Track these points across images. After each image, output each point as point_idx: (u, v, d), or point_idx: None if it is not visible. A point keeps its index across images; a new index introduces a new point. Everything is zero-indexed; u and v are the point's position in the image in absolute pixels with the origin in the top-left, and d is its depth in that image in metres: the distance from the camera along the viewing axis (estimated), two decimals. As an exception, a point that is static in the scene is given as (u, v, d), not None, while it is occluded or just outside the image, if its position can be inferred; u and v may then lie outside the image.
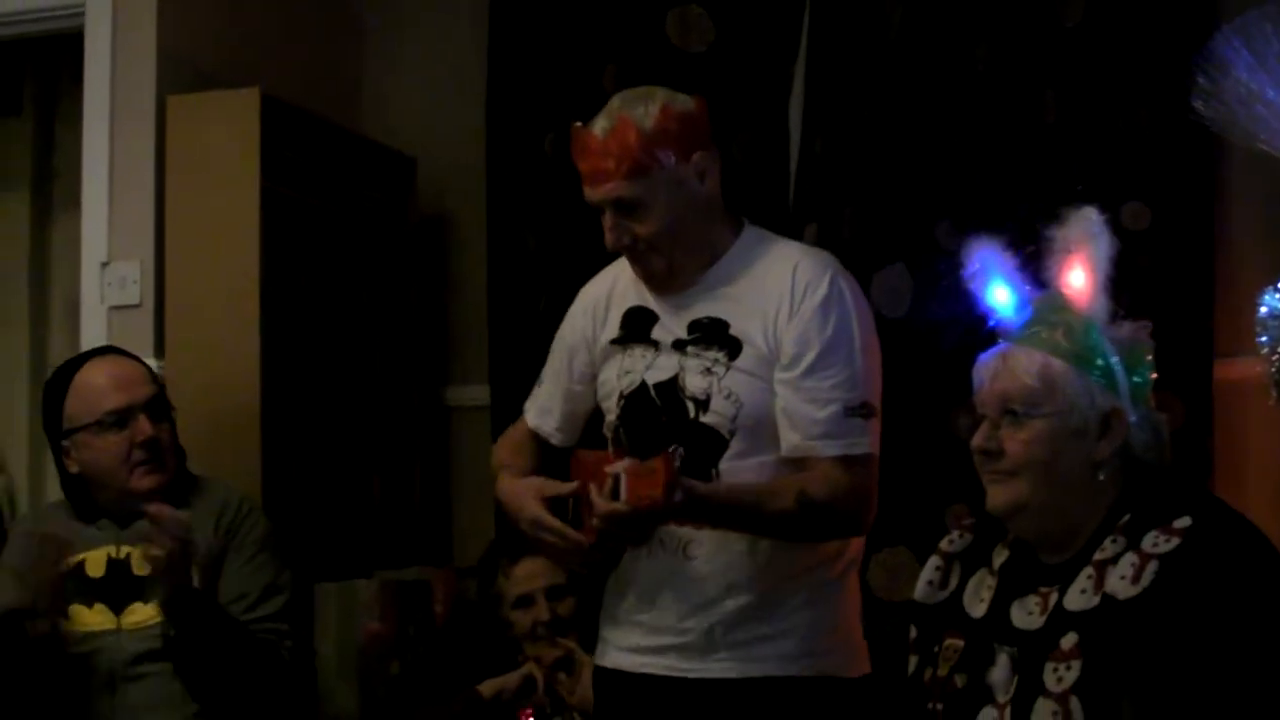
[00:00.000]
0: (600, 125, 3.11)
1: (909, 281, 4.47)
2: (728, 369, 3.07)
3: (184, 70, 4.52)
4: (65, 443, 3.64)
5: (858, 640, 3.16)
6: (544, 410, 3.46)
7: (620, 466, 2.86)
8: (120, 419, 3.57)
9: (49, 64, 5.89)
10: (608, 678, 3.26)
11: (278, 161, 4.49)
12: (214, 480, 3.82)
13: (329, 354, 4.79)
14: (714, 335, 3.09)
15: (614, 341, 3.24)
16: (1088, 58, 4.40)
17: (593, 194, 3.13)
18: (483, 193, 5.12)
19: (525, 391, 4.95)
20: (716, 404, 3.07)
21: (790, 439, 3.00)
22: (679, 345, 3.13)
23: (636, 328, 3.21)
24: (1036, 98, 4.45)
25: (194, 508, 3.60)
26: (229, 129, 4.38)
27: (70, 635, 3.49)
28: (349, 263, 4.92)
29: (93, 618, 3.51)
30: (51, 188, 5.93)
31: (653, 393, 3.13)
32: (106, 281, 4.44)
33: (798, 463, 3.00)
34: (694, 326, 3.12)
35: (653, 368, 3.15)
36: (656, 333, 3.17)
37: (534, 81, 5.01)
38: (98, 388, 3.61)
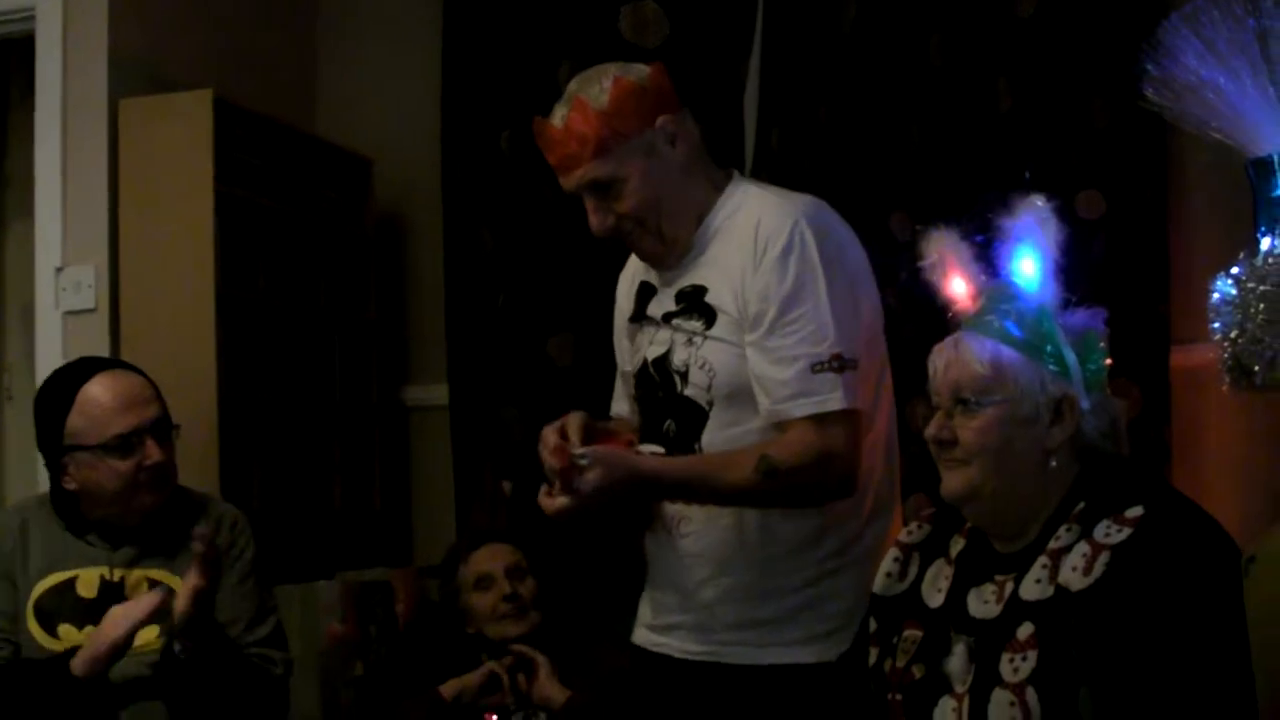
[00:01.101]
0: (559, 114, 3.08)
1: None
2: (705, 339, 3.04)
3: (136, 73, 4.50)
4: (65, 459, 3.48)
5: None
6: (618, 397, 3.41)
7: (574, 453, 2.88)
8: (127, 443, 3.43)
9: (1, 68, 5.86)
10: (636, 654, 3.27)
11: (232, 164, 4.47)
12: (208, 496, 3.76)
13: (287, 356, 4.78)
14: (694, 304, 3.06)
15: (630, 320, 3.25)
16: (1041, 48, 4.42)
17: (567, 182, 3.09)
18: (439, 192, 5.12)
19: (484, 390, 4.99)
20: (694, 375, 3.05)
21: (762, 404, 2.95)
22: (667, 318, 3.12)
23: (641, 304, 3.20)
24: (990, 88, 4.47)
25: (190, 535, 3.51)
26: (182, 132, 4.36)
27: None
28: (306, 264, 4.91)
29: (82, 639, 3.38)
30: (4, 194, 5.91)
31: (651, 369, 3.13)
32: (61, 286, 4.42)
33: (779, 428, 2.94)
34: (679, 297, 3.10)
35: (653, 343, 3.14)
36: (652, 307, 3.16)
37: (489, 79, 5.01)
38: (106, 408, 3.44)
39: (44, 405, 3.56)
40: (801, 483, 2.90)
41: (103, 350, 4.30)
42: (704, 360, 3.04)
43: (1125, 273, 4.31)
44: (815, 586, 3.01)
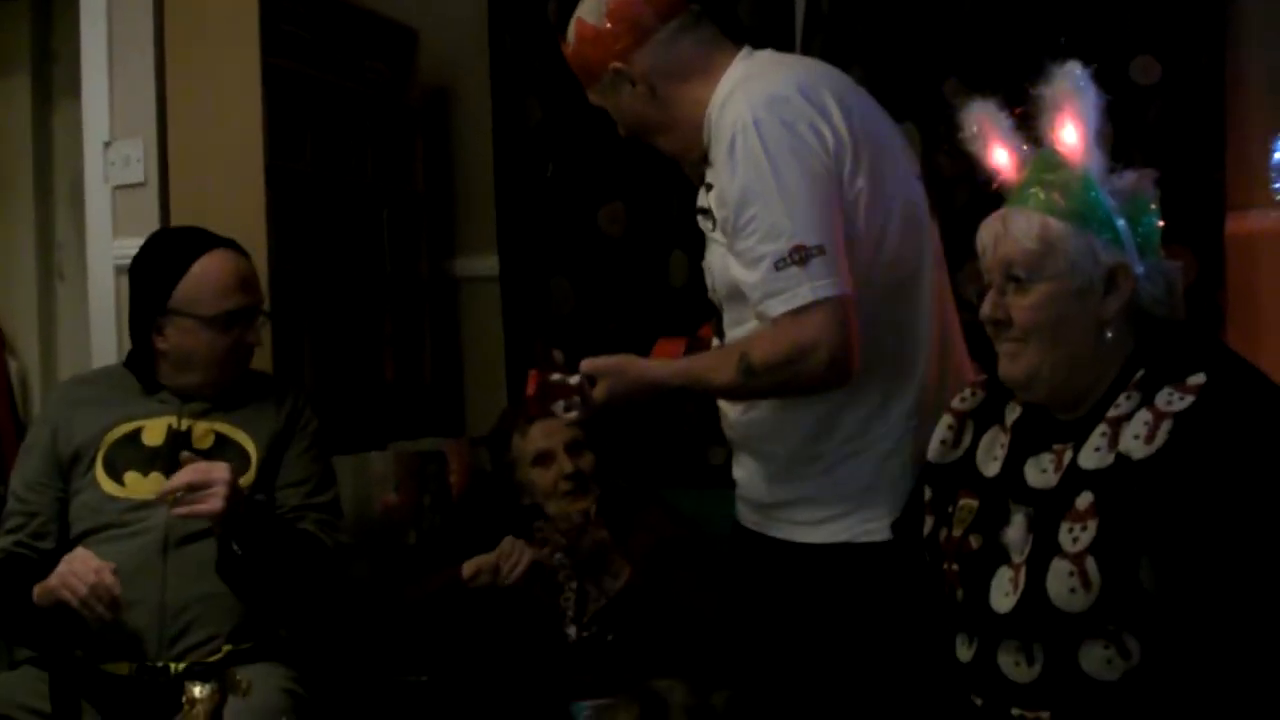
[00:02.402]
0: (570, 33, 3.16)
1: (918, 139, 4.44)
2: (711, 241, 3.08)
3: (180, -55, 4.46)
4: (162, 319, 3.62)
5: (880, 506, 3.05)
6: None
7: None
8: (233, 320, 3.60)
9: (44, -56, 5.85)
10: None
11: (278, 35, 4.45)
12: (272, 376, 3.91)
13: (335, 229, 4.78)
14: (707, 204, 3.07)
15: None
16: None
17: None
18: (486, 62, 5.09)
19: (534, 260, 4.98)
20: (706, 278, 3.13)
21: (750, 310, 2.95)
22: (696, 219, 3.16)
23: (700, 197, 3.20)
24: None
25: (260, 400, 3.71)
26: (228, 5, 4.33)
27: (122, 501, 3.54)
28: (353, 137, 4.90)
29: (149, 485, 3.51)
30: (51, 70, 5.89)
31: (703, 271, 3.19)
32: (110, 161, 4.42)
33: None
34: (699, 196, 3.13)
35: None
36: (700, 200, 3.17)
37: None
38: (221, 284, 3.61)
39: (152, 266, 3.71)
40: (785, 377, 2.88)
41: (152, 224, 4.30)
42: (708, 263, 3.11)
43: (1180, 139, 4.26)
44: (829, 474, 3.04)
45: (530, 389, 2.93)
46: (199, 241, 3.70)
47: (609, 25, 3.09)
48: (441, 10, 5.24)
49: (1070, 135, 2.62)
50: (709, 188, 3.04)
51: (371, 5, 5.10)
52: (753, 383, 2.89)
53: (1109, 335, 2.57)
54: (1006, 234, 2.60)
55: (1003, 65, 4.24)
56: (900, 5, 4.51)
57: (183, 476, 3.32)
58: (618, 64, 3.08)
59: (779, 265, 2.81)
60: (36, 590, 3.35)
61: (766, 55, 3.15)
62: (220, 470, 3.34)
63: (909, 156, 3.16)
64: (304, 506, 3.64)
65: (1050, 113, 2.64)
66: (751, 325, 2.97)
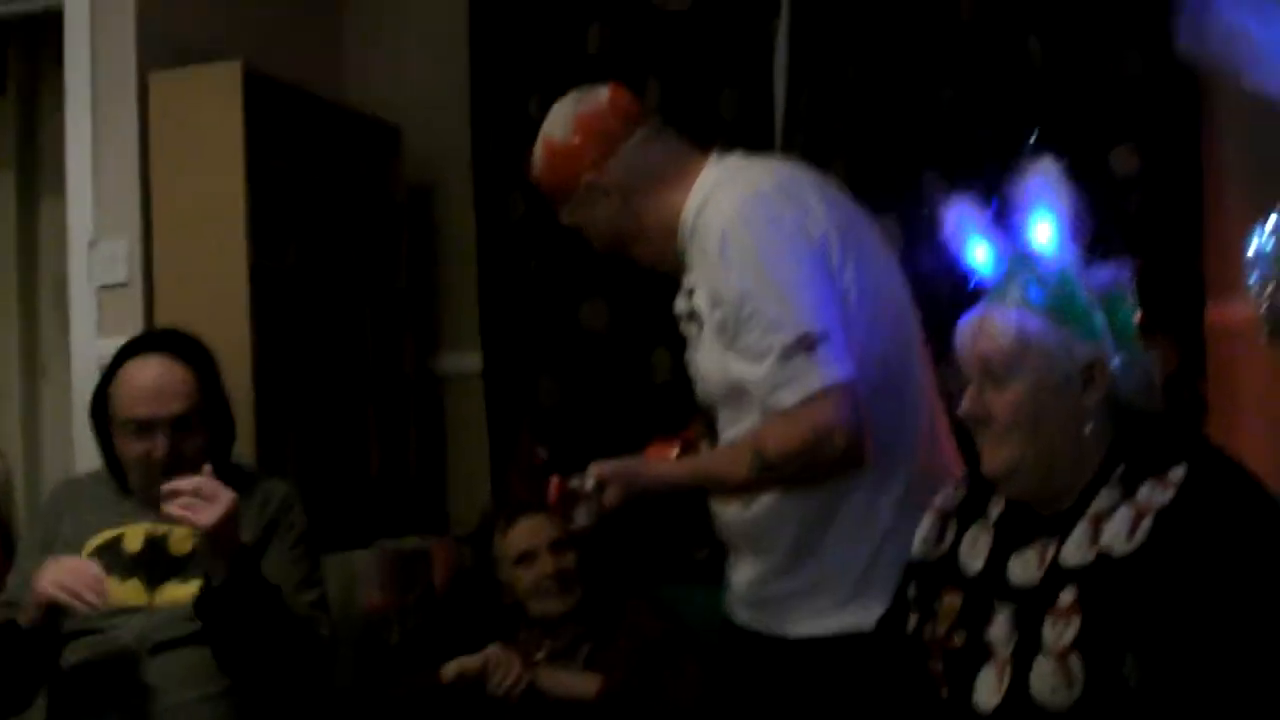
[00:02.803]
0: (536, 154, 3.22)
1: (900, 232, 4.46)
2: (698, 347, 3.09)
3: (165, 46, 4.49)
4: (109, 424, 3.61)
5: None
6: None
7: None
8: (142, 428, 3.52)
9: (31, 44, 5.87)
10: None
11: (262, 135, 4.47)
12: (258, 473, 3.82)
13: (319, 326, 4.79)
14: (690, 309, 3.09)
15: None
16: (1074, 2, 4.37)
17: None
18: (469, 158, 5.11)
19: (518, 357, 4.99)
20: (696, 381, 3.14)
21: (755, 403, 2.95)
22: (678, 320, 3.18)
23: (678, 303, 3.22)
24: (1021, 43, 4.43)
25: (244, 498, 3.55)
26: (212, 104, 4.37)
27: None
28: (337, 234, 4.91)
29: (126, 593, 3.48)
30: (37, 169, 5.92)
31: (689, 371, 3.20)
32: (94, 260, 4.43)
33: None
34: (682, 299, 3.15)
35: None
36: (678, 303, 3.19)
37: (517, 44, 5.00)
38: (132, 390, 3.54)
39: (105, 373, 3.67)
40: (802, 466, 2.90)
41: (136, 324, 4.33)
42: (696, 365, 3.12)
43: (1160, 228, 4.29)
44: (827, 565, 3.04)
45: (552, 497, 2.90)
46: (139, 345, 3.67)
47: (578, 139, 3.13)
48: (424, 107, 5.26)
49: (1044, 231, 2.63)
50: (689, 293, 3.06)
51: (355, 103, 5.14)
52: (769, 476, 2.90)
53: (1088, 429, 2.57)
54: (983, 331, 2.60)
55: (982, 156, 4.27)
56: (878, 99, 4.54)
57: (191, 481, 3.30)
58: (590, 176, 3.11)
59: (786, 356, 2.83)
60: (30, 599, 3.34)
61: (737, 159, 3.17)
62: (228, 495, 3.31)
63: (888, 248, 3.17)
64: (296, 600, 3.59)
65: (1026, 207, 2.65)
66: (749, 422, 2.98)
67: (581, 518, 2.89)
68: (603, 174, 3.11)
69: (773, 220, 2.93)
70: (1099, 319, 2.57)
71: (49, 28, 5.27)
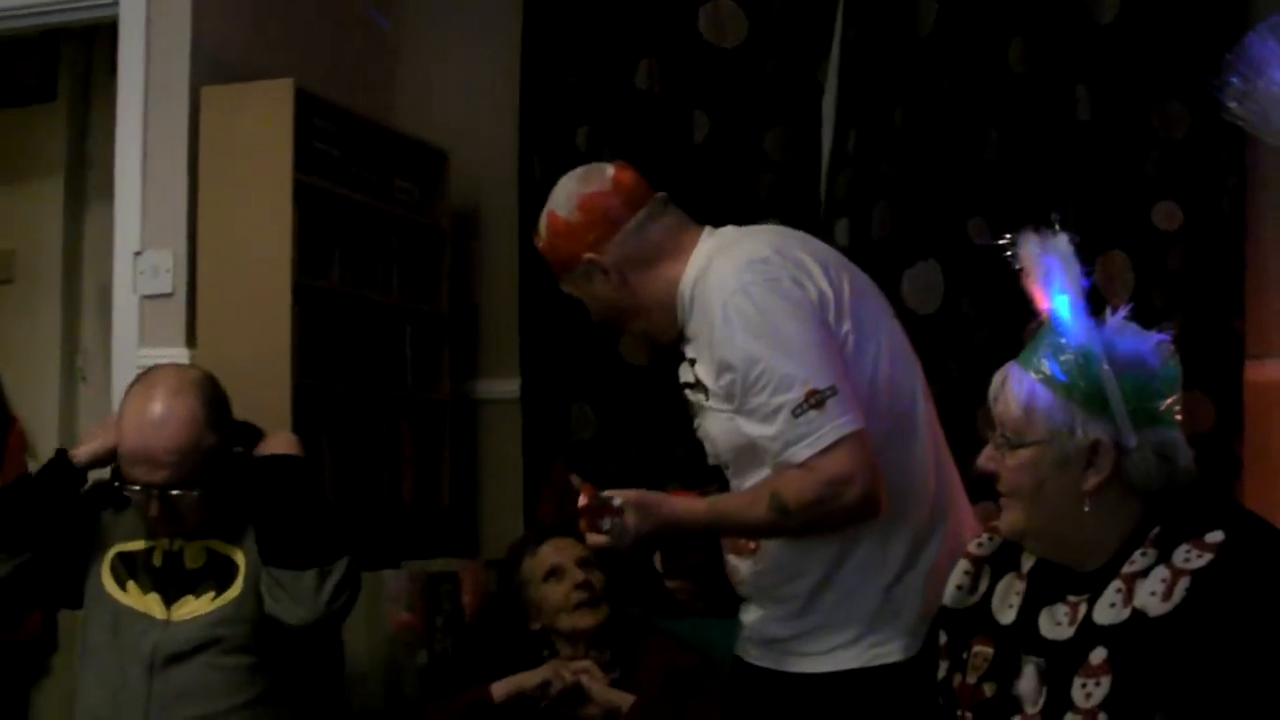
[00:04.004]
0: (541, 226, 3.22)
1: (940, 278, 4.47)
2: (705, 414, 3.11)
3: (218, 62, 4.53)
4: None
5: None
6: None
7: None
8: (135, 487, 3.50)
9: (83, 51, 5.92)
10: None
11: (310, 153, 4.51)
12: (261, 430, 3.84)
13: (359, 346, 4.81)
14: (694, 378, 3.12)
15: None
16: (1121, 55, 4.39)
17: None
18: (514, 186, 5.13)
19: (556, 385, 5.00)
20: (706, 445, 3.16)
21: (767, 461, 2.96)
22: (682, 390, 3.19)
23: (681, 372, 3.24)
24: (1069, 95, 4.45)
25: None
26: (262, 120, 4.40)
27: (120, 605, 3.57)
28: (380, 255, 4.93)
29: (147, 602, 3.54)
30: (85, 175, 5.97)
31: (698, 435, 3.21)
32: (139, 270, 4.46)
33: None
34: (685, 369, 3.16)
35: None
36: (681, 373, 3.20)
37: (567, 75, 5.03)
38: (127, 449, 3.49)
39: None
40: (819, 514, 2.91)
41: (179, 336, 4.36)
42: (705, 431, 3.13)
43: (1201, 285, 4.29)
44: (841, 604, 3.06)
45: (584, 500, 2.91)
46: (141, 383, 3.59)
47: (580, 217, 3.14)
48: (472, 133, 5.29)
49: (1061, 307, 2.60)
50: (692, 362, 3.10)
51: (402, 126, 5.16)
52: (786, 521, 2.91)
53: (1086, 508, 2.54)
54: (1002, 393, 2.60)
55: (1028, 208, 4.27)
56: (926, 143, 4.56)
57: None
58: (590, 255, 3.13)
59: (797, 413, 2.85)
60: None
61: (731, 230, 3.21)
62: None
63: (884, 300, 3.20)
64: None
65: (1044, 282, 2.62)
66: (756, 477, 3.01)
67: (605, 529, 2.89)
68: (602, 254, 3.12)
69: (770, 281, 2.96)
70: (1115, 398, 2.52)
71: (101, 37, 5.35)
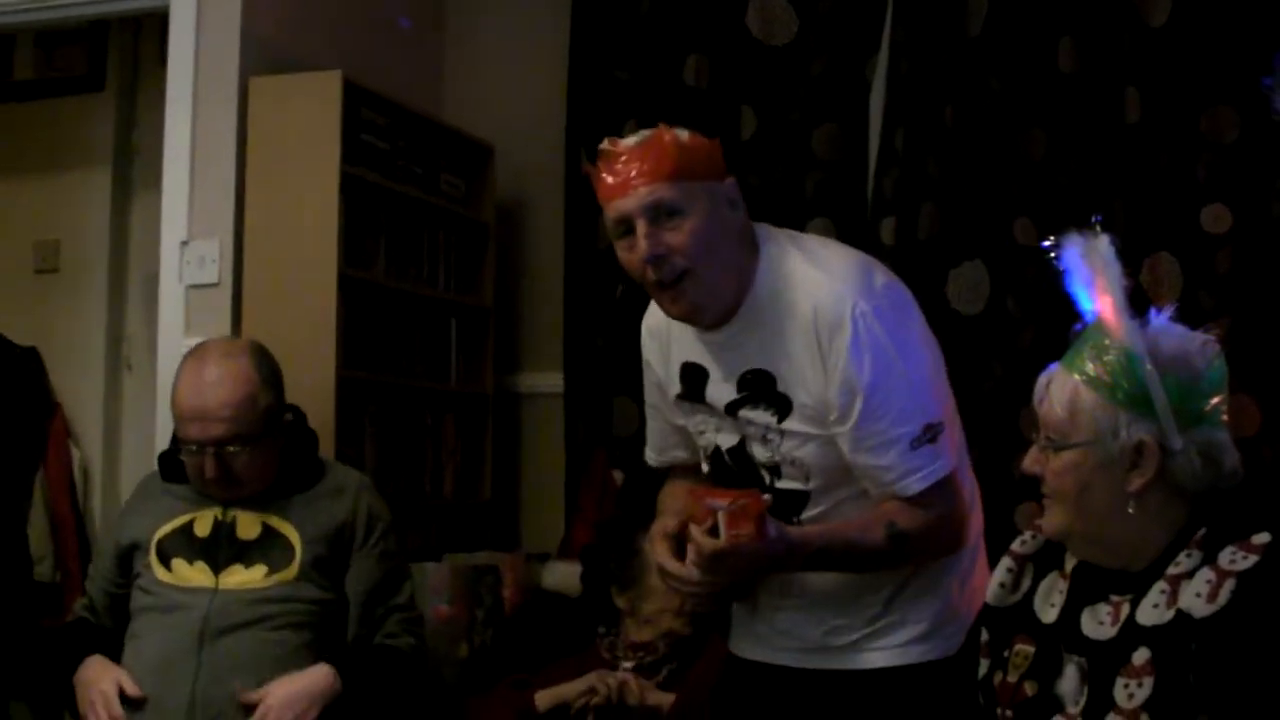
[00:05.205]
0: (631, 139, 2.95)
1: (986, 278, 4.46)
2: (782, 435, 2.97)
3: (267, 53, 4.56)
4: None
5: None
6: (662, 448, 3.31)
7: (718, 503, 2.80)
8: (191, 447, 3.56)
9: (131, 41, 5.94)
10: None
11: (357, 145, 4.53)
12: (341, 466, 3.88)
13: (403, 339, 4.82)
14: (760, 393, 2.98)
15: (679, 397, 3.14)
16: (1171, 58, 4.36)
17: (624, 204, 2.88)
18: (561, 181, 5.14)
19: (598, 379, 5.00)
20: (786, 470, 3.01)
21: (872, 489, 2.94)
22: (731, 409, 3.02)
23: (693, 387, 3.08)
24: (1118, 97, 4.42)
25: (319, 492, 3.70)
26: (310, 112, 4.42)
27: (168, 585, 3.59)
28: (425, 248, 4.95)
29: (192, 574, 3.57)
30: (132, 164, 5.99)
31: (727, 459, 3.07)
32: (186, 260, 4.48)
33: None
34: (741, 383, 3.00)
35: (721, 431, 3.07)
36: (710, 394, 3.05)
37: (615, 70, 5.03)
38: (180, 408, 3.56)
39: None
40: (930, 546, 2.96)
41: (224, 326, 4.38)
42: (792, 457, 2.99)
43: (1249, 288, 4.27)
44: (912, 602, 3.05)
45: (731, 499, 2.80)
46: (193, 355, 3.66)
47: (705, 148, 2.95)
48: (518, 128, 5.30)
49: (1105, 308, 2.57)
50: (764, 376, 2.97)
51: (450, 120, 5.18)
52: (901, 550, 2.91)
53: (1131, 509, 2.52)
54: (1047, 394, 2.58)
55: (1075, 209, 4.25)
56: (974, 143, 4.54)
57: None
58: (733, 180, 2.96)
59: (914, 445, 2.86)
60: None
61: (813, 240, 3.12)
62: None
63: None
64: (384, 608, 3.68)
65: (1085, 285, 2.60)
66: (839, 498, 2.99)
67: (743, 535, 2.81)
68: (722, 183, 2.95)
69: (898, 307, 2.95)
70: (1160, 400, 2.50)
71: (149, 27, 5.36)
